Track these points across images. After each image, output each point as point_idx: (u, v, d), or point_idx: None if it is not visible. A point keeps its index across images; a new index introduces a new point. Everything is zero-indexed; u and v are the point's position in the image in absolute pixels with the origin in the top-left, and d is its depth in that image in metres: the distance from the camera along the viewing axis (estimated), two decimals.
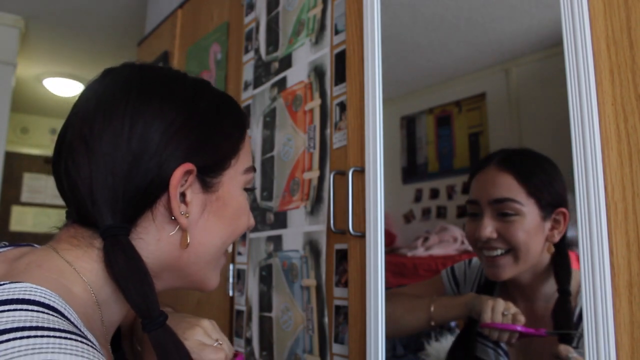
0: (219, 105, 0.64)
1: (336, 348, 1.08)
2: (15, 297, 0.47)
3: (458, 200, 1.21)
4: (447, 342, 0.99)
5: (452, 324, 1.01)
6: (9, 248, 0.59)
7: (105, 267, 0.55)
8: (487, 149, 1.13)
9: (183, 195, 0.58)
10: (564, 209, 0.83)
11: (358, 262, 1.01)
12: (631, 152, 0.63)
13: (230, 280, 1.51)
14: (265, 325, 1.33)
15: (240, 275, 1.48)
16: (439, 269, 1.18)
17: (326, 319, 1.13)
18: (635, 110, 0.63)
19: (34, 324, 0.44)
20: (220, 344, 0.63)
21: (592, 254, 0.64)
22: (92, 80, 0.61)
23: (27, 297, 0.47)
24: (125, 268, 0.54)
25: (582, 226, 0.65)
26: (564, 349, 0.76)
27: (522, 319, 0.83)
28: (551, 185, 0.85)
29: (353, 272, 1.02)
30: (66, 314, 0.48)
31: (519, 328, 0.82)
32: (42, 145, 5.63)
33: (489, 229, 0.87)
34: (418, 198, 1.29)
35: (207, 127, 0.60)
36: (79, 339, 0.44)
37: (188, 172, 0.58)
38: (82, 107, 0.58)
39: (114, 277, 0.55)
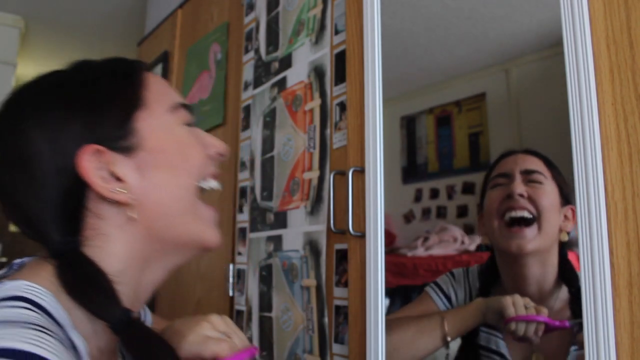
0: (85, 78, 0.60)
1: (336, 348, 1.09)
2: (10, 294, 0.48)
3: (458, 200, 1.21)
4: (442, 356, 0.98)
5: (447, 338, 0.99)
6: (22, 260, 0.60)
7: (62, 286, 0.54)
8: (487, 149, 1.13)
9: (114, 175, 0.56)
10: (573, 207, 0.85)
11: (358, 262, 1.01)
12: (631, 152, 0.63)
13: (230, 280, 1.51)
14: (265, 325, 1.33)
15: (240, 275, 1.48)
16: (439, 268, 1.18)
17: (326, 319, 1.13)
18: (635, 110, 0.63)
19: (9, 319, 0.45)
20: (229, 337, 0.60)
21: (592, 254, 0.64)
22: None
23: (19, 294, 0.49)
24: (74, 285, 0.53)
25: (582, 226, 0.65)
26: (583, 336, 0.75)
27: (545, 311, 0.82)
28: (566, 181, 0.88)
29: (353, 272, 1.02)
30: (53, 312, 0.49)
31: (545, 319, 0.81)
32: None
33: (521, 186, 0.90)
34: (418, 198, 1.29)
35: (82, 103, 0.58)
36: (46, 331, 0.45)
37: (95, 153, 0.56)
38: None
39: (70, 296, 0.53)
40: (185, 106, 0.64)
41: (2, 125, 0.58)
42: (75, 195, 0.56)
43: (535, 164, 0.91)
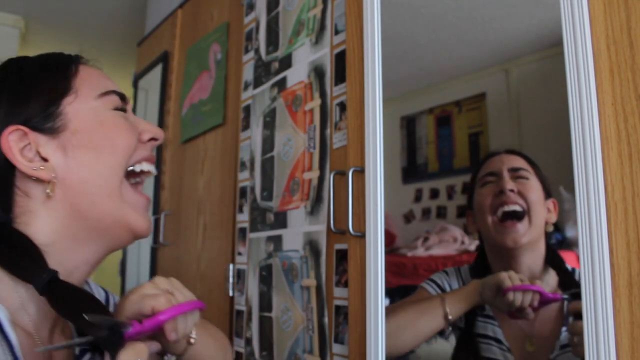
0: (17, 67, 0.65)
1: (336, 348, 1.09)
2: None
3: (458, 200, 1.21)
4: (437, 345, 0.99)
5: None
6: None
7: None
8: (487, 148, 1.13)
9: (39, 154, 0.60)
10: (554, 200, 0.94)
11: (358, 262, 1.01)
12: (631, 152, 0.63)
13: (230, 280, 1.51)
14: (265, 325, 1.33)
15: (240, 275, 1.48)
16: (439, 269, 1.18)
17: (326, 319, 1.13)
18: (635, 110, 0.63)
19: None
20: (171, 293, 0.60)
21: (592, 254, 0.64)
22: None
23: None
24: (3, 254, 0.58)
25: (582, 226, 0.65)
26: (576, 304, 0.78)
27: (539, 282, 0.89)
28: (546, 177, 0.96)
29: (353, 272, 1.02)
30: None
31: (539, 289, 0.87)
32: None
33: (510, 182, 0.96)
34: (418, 198, 1.29)
35: (10, 91, 0.62)
36: None
37: (20, 134, 0.60)
38: None
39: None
40: (116, 93, 0.67)
41: None
42: (4, 175, 0.61)
43: (519, 162, 0.98)
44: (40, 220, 0.61)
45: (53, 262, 0.58)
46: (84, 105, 0.63)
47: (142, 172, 0.68)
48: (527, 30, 1.01)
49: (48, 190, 0.60)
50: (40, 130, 0.61)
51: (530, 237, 0.93)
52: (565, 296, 0.88)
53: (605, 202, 0.64)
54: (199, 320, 0.67)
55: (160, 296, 0.57)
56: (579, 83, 0.67)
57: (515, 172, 0.97)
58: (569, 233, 0.89)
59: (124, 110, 0.68)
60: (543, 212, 0.93)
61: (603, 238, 0.63)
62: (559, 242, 0.92)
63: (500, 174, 0.98)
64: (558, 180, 0.90)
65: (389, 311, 0.96)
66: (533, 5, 0.97)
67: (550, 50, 0.86)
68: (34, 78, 0.64)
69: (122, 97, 0.68)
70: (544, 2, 0.88)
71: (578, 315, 0.66)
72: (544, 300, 0.87)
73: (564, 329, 0.86)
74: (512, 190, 0.95)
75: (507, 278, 0.89)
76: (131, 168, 0.66)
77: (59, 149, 0.61)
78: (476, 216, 1.01)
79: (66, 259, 0.61)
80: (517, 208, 0.94)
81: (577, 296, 0.66)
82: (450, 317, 0.95)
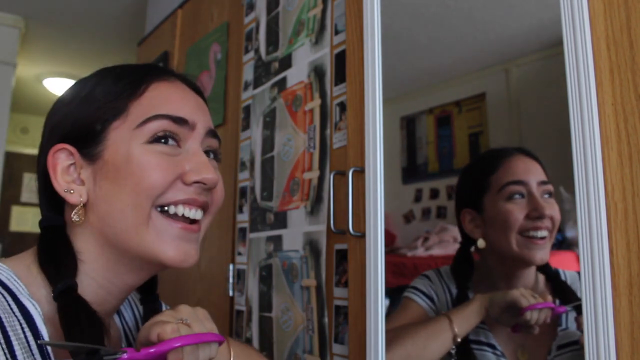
0: (96, 79, 0.65)
1: (336, 348, 1.08)
2: None
3: None
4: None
5: None
6: None
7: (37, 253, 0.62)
8: (487, 149, 1.13)
9: (80, 175, 0.62)
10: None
11: (358, 262, 1.01)
12: (631, 152, 0.63)
13: (230, 280, 1.51)
14: (265, 326, 1.33)
15: (240, 275, 1.48)
16: None
17: (326, 319, 1.13)
18: (635, 110, 0.63)
19: None
20: (187, 324, 0.57)
21: (592, 254, 0.64)
22: None
23: None
24: (43, 253, 0.60)
25: (582, 226, 0.65)
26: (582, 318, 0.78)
27: (549, 298, 0.87)
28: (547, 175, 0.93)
29: (353, 272, 1.02)
30: (7, 282, 0.56)
31: (552, 305, 0.86)
32: None
33: (547, 206, 0.90)
34: (418, 198, 1.28)
35: (76, 104, 0.63)
36: None
37: (67, 153, 0.61)
38: None
39: (38, 261, 0.60)
40: (171, 118, 0.61)
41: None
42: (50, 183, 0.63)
43: (540, 170, 0.93)
44: (79, 237, 0.62)
45: (88, 275, 0.61)
46: (121, 134, 0.60)
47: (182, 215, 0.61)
48: (527, 30, 1.01)
49: (74, 216, 0.61)
50: (82, 153, 0.61)
51: (549, 252, 0.90)
52: (569, 308, 0.87)
53: (605, 202, 0.64)
54: (242, 351, 0.68)
55: (168, 325, 0.55)
56: (579, 83, 0.67)
57: (544, 187, 0.91)
58: (569, 233, 0.89)
59: (173, 139, 0.61)
60: None
61: (603, 238, 0.63)
62: (559, 243, 0.92)
63: (529, 187, 0.91)
64: (558, 180, 0.90)
65: (391, 335, 0.92)
66: (533, 5, 0.97)
67: (550, 50, 0.86)
68: (98, 93, 0.63)
69: (177, 120, 0.61)
70: (544, 2, 0.87)
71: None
72: (554, 315, 0.86)
73: (560, 328, 0.86)
74: (549, 217, 0.89)
75: (522, 297, 0.86)
76: (165, 209, 0.61)
77: (92, 176, 0.61)
78: (489, 225, 0.96)
79: (102, 276, 0.62)
80: (546, 233, 0.89)
81: (579, 308, 0.65)
82: (458, 339, 0.91)
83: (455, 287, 1.00)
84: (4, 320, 0.52)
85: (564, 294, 0.88)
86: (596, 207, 0.64)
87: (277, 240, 1.33)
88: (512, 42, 1.05)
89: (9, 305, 0.54)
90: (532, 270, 0.93)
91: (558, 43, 0.70)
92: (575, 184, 0.66)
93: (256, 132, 1.49)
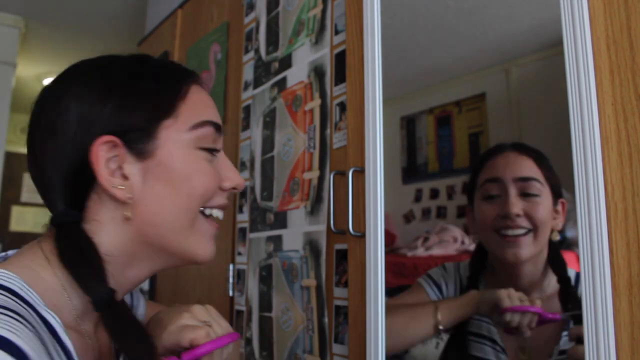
0: (135, 69, 0.62)
1: (336, 348, 1.08)
2: None
3: (458, 200, 1.21)
4: (432, 345, 0.99)
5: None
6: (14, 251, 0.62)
7: (57, 254, 0.57)
8: (487, 148, 1.13)
9: (121, 169, 0.58)
10: (563, 200, 0.86)
11: (358, 262, 1.01)
12: (631, 152, 0.63)
13: (230, 280, 1.51)
14: (265, 325, 1.33)
15: (240, 275, 1.48)
16: None
17: (326, 319, 1.13)
18: (635, 110, 0.63)
19: None
20: (209, 325, 0.60)
21: (592, 254, 0.64)
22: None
23: None
24: (68, 255, 0.56)
25: (582, 226, 0.65)
26: (577, 329, 0.76)
27: (539, 303, 0.84)
28: (556, 175, 0.88)
29: (353, 272, 1.02)
30: (22, 294, 0.51)
31: (539, 310, 0.83)
32: None
33: (518, 205, 0.87)
34: (418, 198, 1.28)
35: (120, 94, 0.59)
36: (13, 315, 0.47)
37: (111, 145, 0.58)
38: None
39: (63, 264, 0.56)
40: (212, 124, 0.63)
41: (49, 89, 0.61)
42: (85, 175, 0.58)
43: (528, 167, 0.89)
44: (105, 233, 0.59)
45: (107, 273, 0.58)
46: (175, 135, 0.60)
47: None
48: (527, 30, 1.01)
49: (127, 213, 0.58)
50: (131, 147, 0.59)
51: (532, 252, 0.88)
52: (564, 315, 0.84)
53: (605, 202, 0.64)
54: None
55: (200, 329, 0.57)
56: (579, 83, 0.67)
57: (523, 184, 0.87)
58: (569, 233, 0.88)
59: (215, 150, 0.65)
60: (550, 224, 0.87)
61: (603, 238, 0.63)
62: (559, 242, 0.91)
63: (505, 184, 0.88)
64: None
65: (386, 311, 0.94)
66: (533, 5, 0.97)
67: (550, 50, 0.86)
68: (145, 89, 0.61)
69: (218, 128, 0.65)
70: (544, 2, 0.87)
71: (580, 340, 0.64)
72: (543, 320, 0.84)
73: (564, 333, 0.83)
74: (518, 215, 0.87)
75: (507, 297, 0.85)
76: (201, 210, 0.64)
77: (141, 172, 0.59)
78: (476, 225, 0.97)
79: (119, 272, 0.60)
80: (522, 231, 0.87)
81: (578, 317, 0.65)
82: (441, 327, 0.91)
83: (468, 277, 1.01)
84: (47, 342, 0.49)
85: (568, 300, 0.85)
86: (596, 207, 0.64)
87: (277, 240, 1.33)
88: (512, 42, 1.05)
89: (36, 321, 0.51)
90: (537, 270, 0.90)
91: (558, 43, 0.70)
92: (575, 183, 0.66)
93: (256, 132, 1.49)
